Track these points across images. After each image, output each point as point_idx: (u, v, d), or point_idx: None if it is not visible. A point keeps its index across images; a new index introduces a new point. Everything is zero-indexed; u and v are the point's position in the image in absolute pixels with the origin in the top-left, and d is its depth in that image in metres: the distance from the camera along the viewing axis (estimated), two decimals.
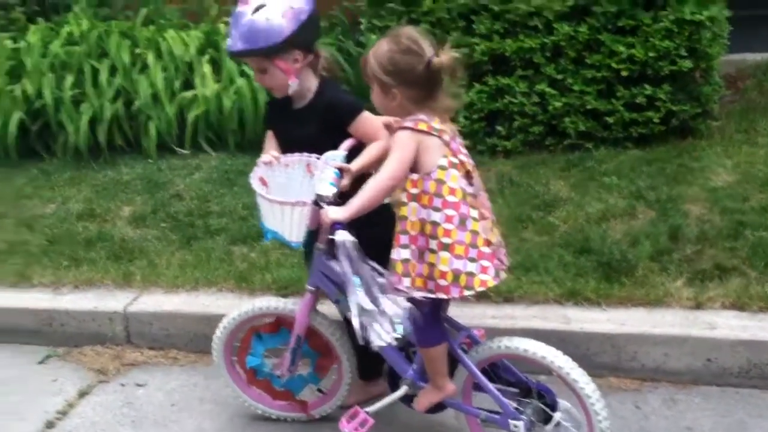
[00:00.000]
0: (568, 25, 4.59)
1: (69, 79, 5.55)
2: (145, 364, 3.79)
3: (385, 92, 2.53)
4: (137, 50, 5.63)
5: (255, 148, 5.29)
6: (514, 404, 2.72)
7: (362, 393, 3.22)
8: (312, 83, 2.91)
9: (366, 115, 2.87)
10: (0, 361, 3.91)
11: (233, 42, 2.81)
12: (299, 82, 2.85)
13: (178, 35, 5.61)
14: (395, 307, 2.50)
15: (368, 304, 2.45)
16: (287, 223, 2.71)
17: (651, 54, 4.53)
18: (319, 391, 3.25)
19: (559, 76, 4.69)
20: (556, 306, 3.47)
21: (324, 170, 2.66)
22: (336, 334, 3.05)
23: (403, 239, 2.54)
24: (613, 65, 4.60)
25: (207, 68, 5.49)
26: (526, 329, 3.31)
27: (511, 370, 2.78)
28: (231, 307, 3.75)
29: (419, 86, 2.49)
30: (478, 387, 2.77)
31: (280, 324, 3.11)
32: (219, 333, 3.20)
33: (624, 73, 4.59)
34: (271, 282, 3.90)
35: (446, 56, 2.47)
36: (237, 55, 2.92)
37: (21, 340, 4.04)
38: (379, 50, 2.51)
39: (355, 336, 2.86)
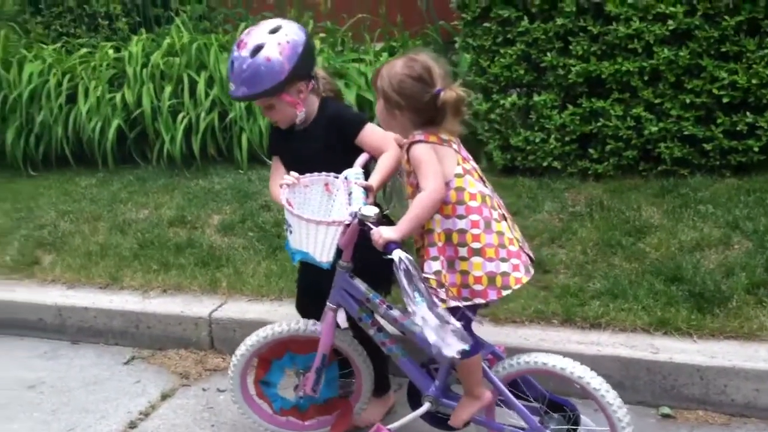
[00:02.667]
0: (668, 49, 4.48)
1: (167, 89, 5.70)
2: (226, 369, 3.80)
3: (388, 109, 2.57)
4: None
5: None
6: (538, 419, 2.71)
7: (380, 409, 3.25)
8: (314, 105, 2.95)
9: (371, 126, 2.89)
10: (86, 360, 4.00)
11: (236, 88, 2.83)
12: (305, 109, 2.90)
13: None
14: (453, 319, 2.45)
15: (433, 319, 2.40)
16: (319, 243, 2.67)
17: (754, 81, 4.37)
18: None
19: (657, 101, 4.57)
20: (644, 335, 3.35)
21: (354, 190, 2.67)
22: (358, 349, 3.04)
23: (432, 252, 2.55)
24: (714, 91, 4.46)
25: None
26: (612, 356, 3.24)
27: (534, 385, 2.77)
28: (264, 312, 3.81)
29: (422, 113, 2.53)
30: (502, 402, 2.76)
31: (286, 348, 3.09)
32: (235, 361, 3.12)
33: (725, 100, 4.45)
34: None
35: (453, 93, 2.50)
36: (243, 100, 2.94)
37: (108, 340, 4.14)
38: (393, 70, 2.55)
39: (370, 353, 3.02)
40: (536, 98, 4.79)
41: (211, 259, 4.44)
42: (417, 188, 2.56)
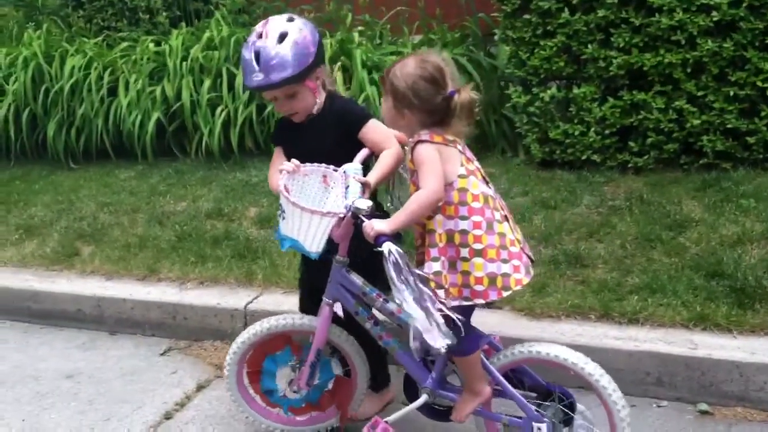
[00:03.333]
0: (712, 40, 4.39)
1: (206, 83, 5.74)
2: None
3: (397, 108, 2.56)
4: None
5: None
6: (535, 408, 2.72)
7: (376, 403, 3.24)
8: (321, 97, 2.94)
9: (375, 122, 2.89)
10: (124, 351, 4.04)
11: (264, 76, 2.78)
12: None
13: None
14: (440, 315, 2.46)
15: (418, 312, 2.41)
16: (311, 233, 2.66)
17: None
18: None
19: (700, 93, 4.48)
20: (683, 330, 3.28)
21: (351, 184, 2.68)
22: (353, 345, 3.04)
23: (433, 252, 2.54)
24: (758, 83, 4.36)
25: (339, 75, 5.55)
26: (650, 352, 3.18)
27: (530, 374, 2.79)
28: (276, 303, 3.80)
29: (431, 114, 2.52)
30: (499, 392, 2.78)
31: (286, 342, 3.08)
32: (230, 357, 3.11)
33: None
34: None
35: (467, 95, 2.49)
36: (272, 87, 2.83)
37: (146, 331, 4.17)
38: (405, 69, 2.53)
39: (368, 348, 3.02)
40: (576, 91, 4.73)
41: (247, 252, 4.45)
42: (419, 188, 2.55)
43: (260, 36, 2.80)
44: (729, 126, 4.46)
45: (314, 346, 2.95)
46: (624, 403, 2.64)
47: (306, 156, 2.85)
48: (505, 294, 2.55)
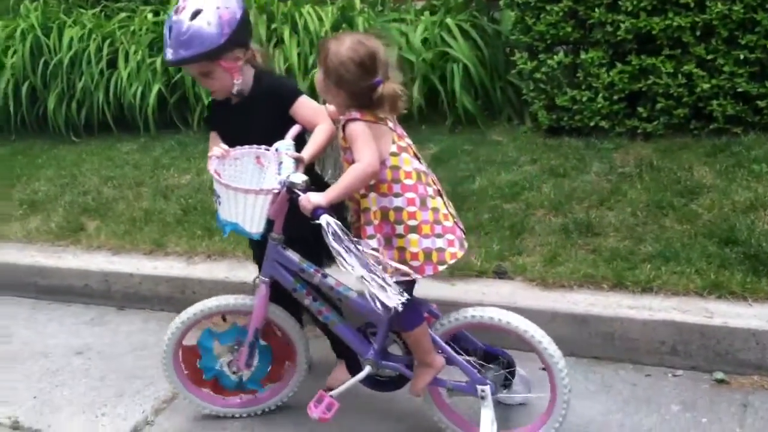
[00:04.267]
0: (721, 3, 4.31)
1: None
2: None
3: (327, 83, 2.58)
4: (274, 25, 5.67)
5: None
6: (476, 371, 2.80)
7: (345, 375, 3.21)
8: (249, 77, 2.94)
9: (305, 98, 2.92)
10: (133, 326, 4.02)
11: (174, 51, 2.79)
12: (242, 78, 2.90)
13: (315, 11, 5.62)
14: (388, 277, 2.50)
15: (368, 274, 2.45)
16: (248, 214, 2.68)
17: None
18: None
19: (709, 57, 4.42)
20: (698, 298, 3.26)
21: (284, 160, 2.69)
22: (290, 322, 3.06)
23: (369, 230, 2.58)
24: None
25: None
26: (664, 321, 3.16)
27: (469, 339, 2.86)
28: None
29: (356, 98, 2.54)
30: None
31: (231, 320, 3.13)
32: (169, 335, 3.12)
33: None
34: None
35: (391, 88, 2.51)
36: (181, 63, 2.88)
37: (154, 306, 4.15)
38: (340, 47, 2.52)
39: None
40: (583, 56, 4.66)
41: None
42: (353, 164, 2.58)
43: (176, 11, 2.80)
44: (739, 90, 4.40)
45: (252, 325, 2.98)
46: (563, 361, 2.71)
47: (240, 137, 2.87)
48: (440, 268, 2.61)
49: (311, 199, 2.52)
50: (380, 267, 2.48)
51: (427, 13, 5.55)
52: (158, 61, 5.79)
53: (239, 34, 2.82)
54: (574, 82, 4.76)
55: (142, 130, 5.86)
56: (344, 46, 2.52)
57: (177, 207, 4.71)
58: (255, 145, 2.82)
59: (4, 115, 6.19)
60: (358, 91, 2.52)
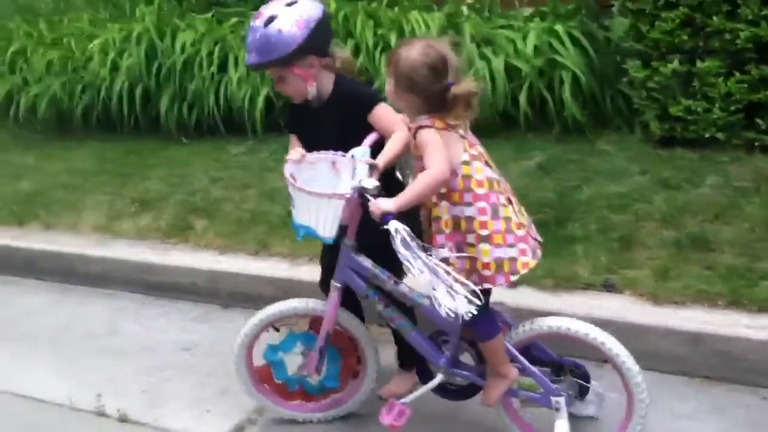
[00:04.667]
0: None
1: None
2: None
3: (397, 91, 2.58)
4: (380, 31, 5.69)
5: (489, 132, 5.20)
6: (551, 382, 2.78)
7: (405, 382, 3.27)
8: (329, 82, 2.96)
9: (384, 105, 2.91)
10: (237, 324, 3.89)
11: (249, 56, 2.88)
12: (317, 84, 2.92)
13: (421, 17, 5.61)
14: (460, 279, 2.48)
15: (438, 281, 2.44)
16: (321, 218, 2.69)
17: None
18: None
19: None
20: None
21: (357, 166, 2.71)
22: (360, 329, 3.07)
23: (440, 238, 2.58)
24: None
25: None
26: None
27: (543, 349, 2.84)
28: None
29: (429, 101, 2.54)
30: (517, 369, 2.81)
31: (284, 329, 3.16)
32: (240, 340, 3.15)
33: None
34: None
35: (465, 87, 2.51)
36: (255, 68, 2.96)
37: (258, 306, 4.15)
38: (410, 53, 2.54)
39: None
40: (699, 65, 4.50)
41: None
42: (423, 171, 2.57)
43: (256, 17, 2.87)
44: None
45: (323, 329, 2.99)
46: (638, 369, 2.66)
47: (316, 140, 2.93)
48: (512, 278, 2.59)
49: (381, 205, 2.53)
50: (449, 275, 2.46)
51: (537, 19, 5.47)
52: None
53: (313, 42, 2.84)
54: (688, 91, 4.60)
55: (249, 132, 5.96)
56: (415, 51, 2.54)
57: (282, 209, 4.76)
58: (332, 151, 2.85)
59: (119, 115, 6.39)
60: (431, 95, 2.53)
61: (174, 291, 4.46)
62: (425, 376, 2.95)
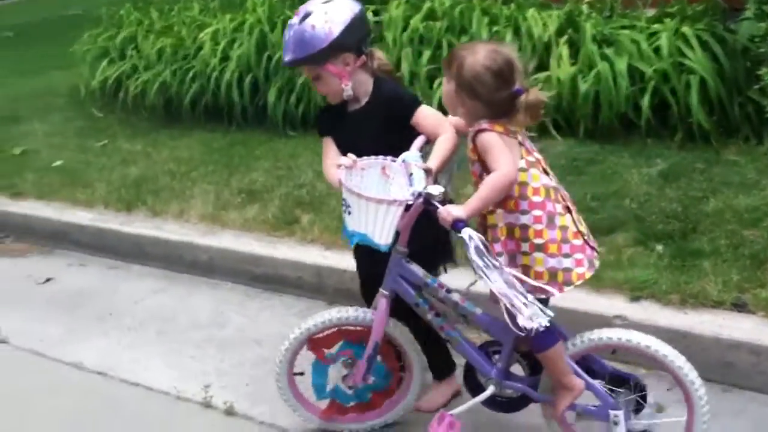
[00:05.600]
0: None
1: (426, 54, 5.61)
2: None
3: (459, 95, 2.52)
4: (496, 28, 5.54)
5: (607, 136, 5.05)
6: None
7: (444, 392, 3.23)
8: (367, 84, 2.91)
9: (426, 107, 2.87)
10: None
11: (285, 53, 2.86)
12: (353, 85, 2.87)
13: (539, 14, 5.45)
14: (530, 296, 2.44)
15: (509, 290, 2.40)
16: (379, 224, 2.61)
17: None
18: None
19: None
20: None
21: (414, 171, 2.63)
22: (408, 338, 3.00)
23: (497, 247, 2.53)
24: None
25: (564, 50, 5.27)
26: None
27: (600, 362, 2.78)
28: (577, 301, 3.57)
29: (492, 107, 2.48)
30: None
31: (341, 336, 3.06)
32: (282, 354, 3.07)
33: None
34: (622, 282, 3.62)
35: (534, 96, 2.46)
36: (290, 65, 2.92)
37: (363, 305, 4.10)
38: (475, 58, 2.48)
39: (423, 337, 3.03)
40: None
41: None
42: (480, 177, 2.54)
43: (296, 15, 2.85)
44: None
45: (372, 338, 2.91)
46: (700, 382, 2.62)
47: (356, 144, 2.83)
48: (566, 289, 2.54)
49: (452, 212, 2.46)
50: (522, 285, 2.42)
51: (666, 20, 5.22)
52: None
53: (347, 39, 2.80)
54: None
55: None
56: (479, 56, 2.48)
57: None
58: (381, 156, 2.76)
59: (227, 105, 6.41)
60: (496, 102, 2.48)
61: (279, 284, 4.42)
62: (475, 388, 2.89)
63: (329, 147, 3.00)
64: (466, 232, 2.41)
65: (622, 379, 2.74)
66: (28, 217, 5.56)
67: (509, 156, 2.46)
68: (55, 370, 3.88)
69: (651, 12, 5.51)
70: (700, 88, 4.77)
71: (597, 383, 2.70)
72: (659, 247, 3.82)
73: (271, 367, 3.58)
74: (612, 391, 2.71)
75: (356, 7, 2.85)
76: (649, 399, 2.75)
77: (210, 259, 4.68)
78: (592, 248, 2.61)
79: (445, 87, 2.60)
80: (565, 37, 5.36)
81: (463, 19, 5.66)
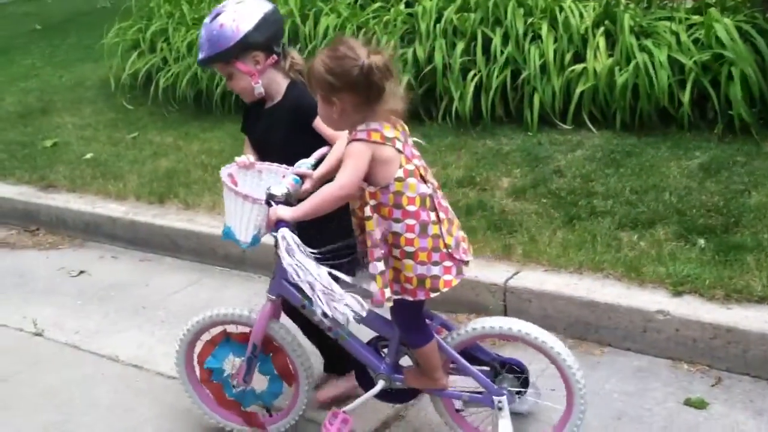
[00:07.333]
0: None
1: (460, 46, 5.55)
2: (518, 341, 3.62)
3: (326, 101, 2.52)
4: (531, 19, 5.47)
5: (644, 129, 4.97)
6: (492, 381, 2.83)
7: (337, 387, 3.32)
8: (281, 85, 2.97)
9: None
10: None
11: (199, 51, 2.93)
12: (265, 83, 2.93)
13: (576, 5, 5.37)
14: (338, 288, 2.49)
15: (319, 286, 2.46)
16: (244, 221, 2.70)
17: None
18: (267, 411, 3.18)
19: None
20: None
21: (287, 175, 2.73)
22: (293, 345, 2.99)
23: (377, 253, 2.54)
24: None
25: (601, 41, 5.19)
26: None
27: (483, 349, 2.89)
28: (618, 296, 3.53)
29: (357, 91, 2.46)
30: (456, 370, 2.86)
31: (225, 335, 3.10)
32: (178, 345, 3.15)
33: None
34: (664, 276, 3.55)
35: (378, 56, 2.43)
36: (202, 64, 2.98)
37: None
38: (318, 59, 2.51)
39: (316, 336, 3.12)
40: None
41: (503, 224, 4.26)
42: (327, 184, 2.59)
43: (210, 13, 2.92)
44: None
45: (251, 339, 2.96)
46: (578, 366, 2.74)
47: (263, 144, 2.99)
48: (432, 295, 2.60)
49: (278, 212, 2.54)
50: (333, 284, 2.47)
51: (707, 11, 5.12)
52: (409, 52, 5.74)
53: (256, 37, 2.85)
54: None
55: None
56: (322, 56, 2.50)
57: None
58: (284, 165, 2.84)
59: None
60: (354, 81, 2.44)
61: None
62: (366, 383, 2.97)
63: (246, 145, 3.12)
64: (281, 232, 2.49)
65: (505, 364, 2.84)
66: (60, 210, 5.56)
67: (358, 170, 2.46)
68: (92, 363, 3.88)
69: (690, 3, 5.41)
70: (741, 81, 4.68)
71: (478, 371, 2.80)
72: (701, 241, 3.75)
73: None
74: (497, 377, 2.83)
75: (267, 7, 2.90)
76: (532, 383, 2.86)
77: (242, 251, 4.64)
78: (460, 260, 2.64)
79: (319, 105, 2.60)
80: (602, 29, 5.28)
81: (498, 11, 5.59)
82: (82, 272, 4.94)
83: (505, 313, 3.77)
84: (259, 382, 3.11)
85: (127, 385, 3.67)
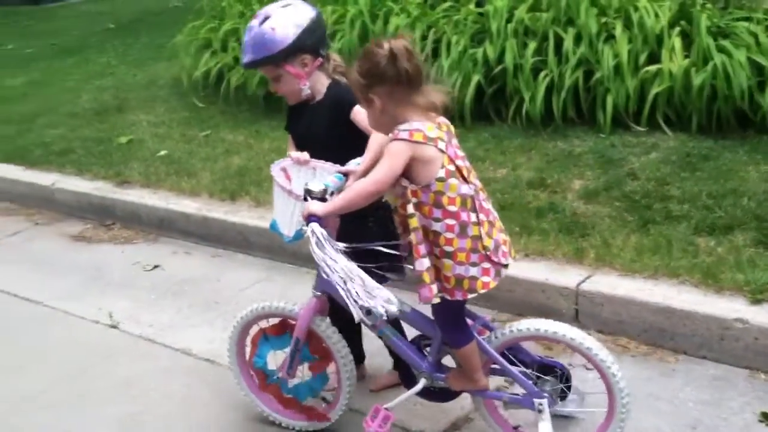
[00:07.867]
0: None
1: (531, 46, 5.51)
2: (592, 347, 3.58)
3: (367, 102, 2.57)
4: (605, 19, 5.40)
5: (721, 132, 4.87)
6: (532, 383, 2.82)
7: (392, 378, 3.38)
8: (324, 85, 3.06)
9: None
10: None
11: (244, 55, 2.99)
12: (312, 85, 3.02)
13: (651, 5, 5.28)
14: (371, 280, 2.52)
15: (350, 282, 2.48)
16: (287, 216, 2.78)
17: None
18: (323, 400, 3.29)
19: None
20: None
21: (333, 173, 2.80)
22: (333, 337, 3.05)
23: (423, 249, 2.56)
24: None
25: (677, 42, 5.10)
26: None
27: (525, 351, 2.89)
28: (694, 303, 3.47)
29: (388, 80, 2.48)
30: (497, 371, 2.89)
31: (285, 327, 3.16)
32: (231, 331, 3.27)
33: None
34: (742, 283, 3.48)
35: (397, 41, 2.47)
36: (250, 66, 3.02)
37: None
38: (352, 68, 2.57)
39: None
40: None
41: (575, 227, 4.22)
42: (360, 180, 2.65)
43: (254, 17, 2.98)
44: None
45: (294, 334, 3.04)
46: (621, 374, 2.72)
47: (305, 140, 3.06)
48: (470, 296, 2.63)
49: (310, 207, 2.59)
50: (362, 280, 2.50)
51: None
52: (479, 52, 5.72)
53: (304, 41, 2.93)
54: None
55: (457, 120, 5.82)
56: (354, 66, 2.57)
57: (493, 201, 4.58)
58: (338, 166, 2.89)
59: None
60: (384, 73, 2.48)
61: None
62: (409, 381, 3.02)
63: (290, 143, 3.20)
64: (311, 227, 2.55)
65: (549, 367, 2.84)
66: (135, 205, 5.68)
67: (394, 168, 2.49)
68: (166, 356, 3.97)
69: None
70: None
71: (520, 372, 2.82)
72: None
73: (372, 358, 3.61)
74: (539, 378, 2.82)
75: (313, 12, 2.98)
76: (575, 387, 2.86)
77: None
78: (498, 262, 2.64)
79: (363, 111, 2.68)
80: (678, 29, 5.19)
81: (570, 10, 5.53)
82: (156, 267, 5.05)
83: (577, 318, 3.74)
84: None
85: (201, 378, 3.73)
